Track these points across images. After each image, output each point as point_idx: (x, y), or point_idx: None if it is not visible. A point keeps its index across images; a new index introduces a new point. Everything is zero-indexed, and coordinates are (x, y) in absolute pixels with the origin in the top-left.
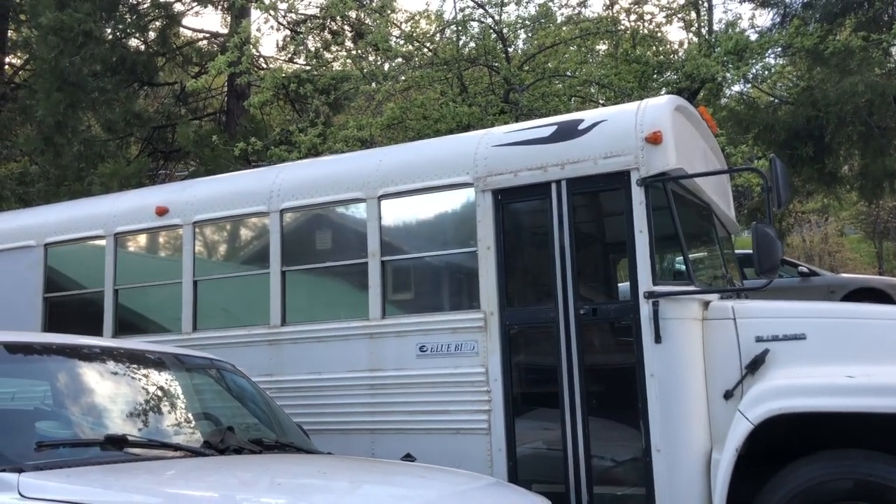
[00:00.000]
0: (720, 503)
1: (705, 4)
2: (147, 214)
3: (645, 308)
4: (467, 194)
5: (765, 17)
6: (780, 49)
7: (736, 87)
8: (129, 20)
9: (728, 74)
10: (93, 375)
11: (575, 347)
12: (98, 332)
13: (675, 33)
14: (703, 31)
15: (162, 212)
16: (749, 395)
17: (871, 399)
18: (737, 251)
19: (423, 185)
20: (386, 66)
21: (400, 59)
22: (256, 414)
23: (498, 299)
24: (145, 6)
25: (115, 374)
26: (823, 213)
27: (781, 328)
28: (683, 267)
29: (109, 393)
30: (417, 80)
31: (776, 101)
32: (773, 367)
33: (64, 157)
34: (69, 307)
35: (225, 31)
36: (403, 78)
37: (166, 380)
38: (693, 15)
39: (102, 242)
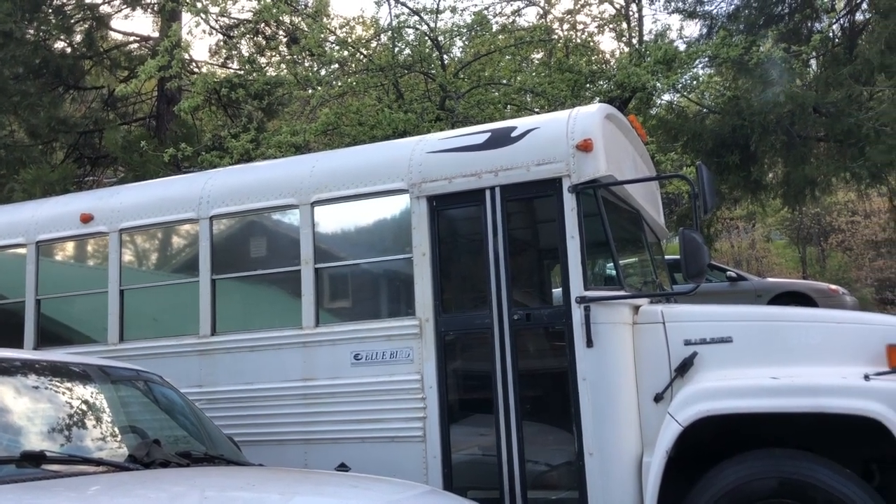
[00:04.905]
0: None
1: (635, 15)
2: (71, 222)
3: (577, 313)
4: (402, 201)
5: (692, 28)
6: (707, 59)
7: (665, 97)
8: (54, 21)
9: (658, 84)
10: (9, 390)
11: (509, 353)
12: (18, 343)
13: (607, 43)
14: (634, 41)
15: (87, 219)
16: (678, 397)
17: (794, 399)
18: (667, 257)
19: (357, 191)
20: (322, 72)
21: (335, 65)
22: (185, 426)
23: (433, 306)
24: (70, 7)
25: (35, 387)
26: (750, 220)
27: (709, 331)
28: (614, 272)
29: (28, 408)
30: (353, 86)
31: (704, 110)
32: (702, 370)
33: None
34: None
35: (155, 34)
36: (339, 84)
37: (90, 392)
38: (624, 25)
39: (24, 251)
